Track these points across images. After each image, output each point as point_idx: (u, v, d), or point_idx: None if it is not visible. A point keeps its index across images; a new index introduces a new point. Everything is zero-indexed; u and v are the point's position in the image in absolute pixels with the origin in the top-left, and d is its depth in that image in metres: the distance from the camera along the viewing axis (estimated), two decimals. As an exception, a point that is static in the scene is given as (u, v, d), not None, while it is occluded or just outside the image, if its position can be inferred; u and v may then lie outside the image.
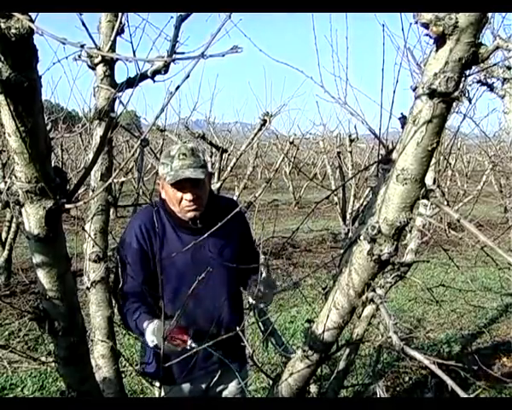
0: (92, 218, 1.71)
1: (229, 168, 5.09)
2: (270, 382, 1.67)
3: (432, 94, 0.99)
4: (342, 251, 1.39)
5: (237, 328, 1.52)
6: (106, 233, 1.77)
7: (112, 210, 10.37)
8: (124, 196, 13.07)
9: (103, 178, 1.69)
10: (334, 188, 7.67)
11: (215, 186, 4.83)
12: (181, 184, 1.84)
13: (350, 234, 1.43)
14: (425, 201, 1.12)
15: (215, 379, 1.88)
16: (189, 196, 1.85)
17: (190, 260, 1.91)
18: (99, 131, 1.65)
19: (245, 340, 1.60)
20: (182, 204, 1.87)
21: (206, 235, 1.47)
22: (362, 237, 1.19)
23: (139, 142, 1.03)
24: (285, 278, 6.48)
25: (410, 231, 2.42)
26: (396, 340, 0.98)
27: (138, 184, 2.62)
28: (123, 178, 5.25)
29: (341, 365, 2.08)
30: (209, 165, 5.47)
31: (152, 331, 1.74)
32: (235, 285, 2.03)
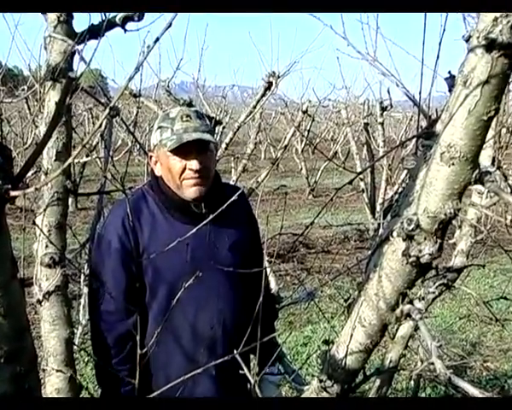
0: (45, 209, 1.71)
1: (223, 145, 5.07)
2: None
3: (490, 45, 0.98)
4: (370, 252, 1.39)
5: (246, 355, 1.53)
6: (63, 229, 1.77)
7: (71, 200, 10.41)
8: (87, 181, 13.12)
9: (60, 157, 1.68)
10: (359, 170, 7.66)
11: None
12: (185, 150, 1.88)
13: (380, 230, 1.43)
14: (479, 187, 1.12)
15: None
16: (194, 163, 1.89)
17: (189, 257, 1.92)
18: (53, 96, 1.64)
19: (246, 369, 1.61)
20: (184, 175, 1.91)
21: (209, 219, 1.47)
22: (395, 234, 1.19)
23: (106, 111, 1.02)
24: (296, 287, 6.49)
25: (460, 227, 2.42)
26: (440, 367, 0.98)
27: (106, 165, 2.62)
28: (85, 158, 5.26)
29: (369, 400, 2.09)
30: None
31: None
32: (245, 297, 2.05)
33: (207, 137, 1.89)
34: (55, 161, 1.68)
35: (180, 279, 1.75)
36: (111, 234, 1.93)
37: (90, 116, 12.79)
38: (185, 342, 1.97)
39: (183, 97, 5.14)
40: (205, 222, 1.48)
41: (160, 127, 1.94)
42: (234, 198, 1.40)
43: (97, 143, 9.27)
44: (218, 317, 1.98)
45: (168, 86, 5.15)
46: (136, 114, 5.97)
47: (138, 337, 1.53)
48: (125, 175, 2.58)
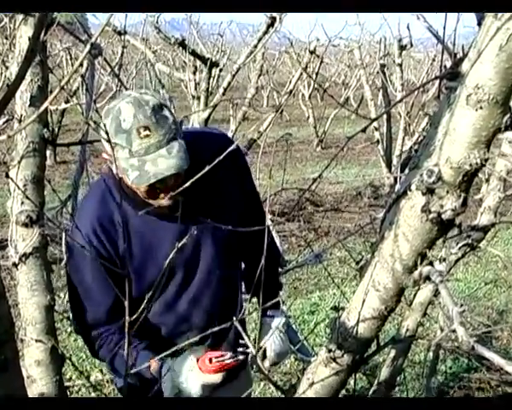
0: (20, 161, 1.71)
1: (221, 90, 5.04)
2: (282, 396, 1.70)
3: (524, -30, 0.96)
4: (385, 210, 1.39)
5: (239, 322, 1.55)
6: (41, 184, 1.77)
7: (49, 152, 10.38)
8: (66, 131, 13.06)
9: (35, 102, 1.67)
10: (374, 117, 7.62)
11: (201, 117, 4.81)
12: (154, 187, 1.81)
13: (397, 185, 1.43)
14: (511, 134, 1.11)
15: None
16: (164, 186, 1.81)
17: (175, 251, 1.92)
18: (25, 32, 1.62)
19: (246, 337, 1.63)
20: (154, 193, 1.84)
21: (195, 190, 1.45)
22: (414, 187, 1.19)
23: (87, 49, 1.01)
24: (303, 249, 6.52)
25: (487, 181, 2.41)
26: (463, 335, 0.99)
27: (88, 112, 2.60)
28: (64, 105, 5.22)
29: (384, 373, 2.12)
30: (192, 85, 5.43)
31: (192, 378, 1.88)
32: (240, 269, 2.11)
33: (177, 162, 1.76)
34: (30, 106, 1.67)
35: (175, 268, 1.88)
36: (86, 245, 1.88)
37: (68, 57, 12.68)
38: (181, 319, 2.02)
39: (175, 36, 5.10)
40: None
41: (114, 142, 1.77)
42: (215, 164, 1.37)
43: (78, 87, 9.22)
44: (213, 299, 2.03)
45: (157, 23, 5.09)
46: (122, 55, 5.91)
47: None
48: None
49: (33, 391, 1.74)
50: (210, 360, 1.89)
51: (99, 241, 1.90)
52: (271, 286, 1.85)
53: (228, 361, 1.88)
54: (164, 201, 1.84)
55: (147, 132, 1.73)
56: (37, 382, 1.76)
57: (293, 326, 2.31)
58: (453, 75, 1.22)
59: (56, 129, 10.27)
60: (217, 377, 1.88)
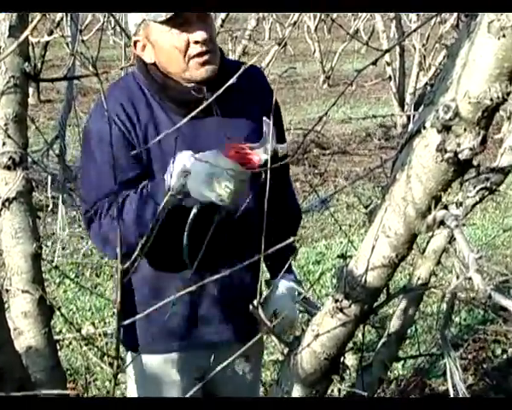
0: (0, 98, 1.70)
1: (218, 21, 4.99)
2: (285, 350, 1.72)
3: None
4: (397, 150, 1.38)
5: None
6: (24, 124, 1.76)
7: (32, 90, 10.28)
8: (50, 67, 12.94)
9: (14, 33, 1.65)
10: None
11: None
12: (184, 19, 1.82)
13: (410, 125, 1.42)
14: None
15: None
16: (199, 34, 1.84)
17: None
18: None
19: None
20: (190, 52, 1.86)
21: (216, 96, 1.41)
22: (429, 125, 1.18)
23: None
24: (308, 194, 6.53)
25: (509, 119, 2.39)
26: (479, 282, 0.99)
27: (74, 44, 2.57)
28: (47, 37, 5.16)
29: (394, 325, 2.14)
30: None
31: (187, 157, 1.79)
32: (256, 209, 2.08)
33: None
34: (9, 37, 1.65)
35: None
36: (108, 119, 1.88)
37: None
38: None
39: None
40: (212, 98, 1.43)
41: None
42: (240, 73, 1.34)
43: (62, 18, 9.08)
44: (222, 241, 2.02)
45: None
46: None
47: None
48: (98, 57, 2.54)
49: (21, 344, 1.76)
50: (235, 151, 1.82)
51: (126, 115, 1.90)
52: (285, 247, 1.81)
53: (248, 151, 1.81)
54: (202, 68, 1.87)
55: None
56: (25, 334, 1.78)
57: (297, 276, 2.31)
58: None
59: (39, 64, 10.17)
60: (237, 166, 1.77)
